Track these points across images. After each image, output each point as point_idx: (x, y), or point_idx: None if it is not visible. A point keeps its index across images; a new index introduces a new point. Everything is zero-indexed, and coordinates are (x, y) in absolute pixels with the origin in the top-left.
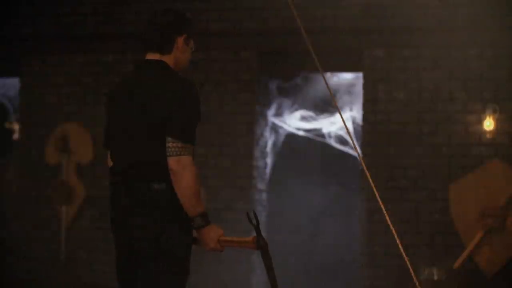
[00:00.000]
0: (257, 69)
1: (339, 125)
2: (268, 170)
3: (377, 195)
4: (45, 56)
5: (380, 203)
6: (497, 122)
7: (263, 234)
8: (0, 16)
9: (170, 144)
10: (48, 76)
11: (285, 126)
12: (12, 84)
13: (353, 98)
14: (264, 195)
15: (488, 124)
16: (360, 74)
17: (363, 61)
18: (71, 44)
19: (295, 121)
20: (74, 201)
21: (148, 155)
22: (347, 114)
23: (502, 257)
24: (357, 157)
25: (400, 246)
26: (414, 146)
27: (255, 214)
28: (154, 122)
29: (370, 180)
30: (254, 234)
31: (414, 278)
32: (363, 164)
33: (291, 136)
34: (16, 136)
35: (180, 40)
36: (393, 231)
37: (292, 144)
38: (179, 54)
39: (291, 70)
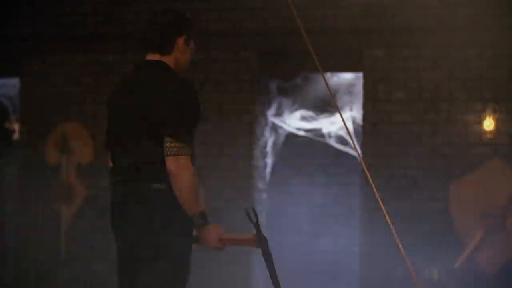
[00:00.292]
0: (257, 69)
1: (339, 125)
2: (268, 170)
3: (376, 194)
4: (45, 56)
5: (380, 203)
6: (497, 122)
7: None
8: (0, 16)
9: (168, 144)
10: (48, 76)
11: (285, 126)
12: (12, 84)
13: (353, 98)
14: (264, 195)
15: (488, 124)
16: (360, 74)
17: (363, 61)
18: (71, 44)
19: (295, 121)
20: (74, 201)
21: (147, 155)
22: (347, 114)
23: (502, 257)
24: (357, 157)
25: (400, 246)
26: (414, 146)
27: (254, 211)
28: (153, 122)
29: (370, 180)
30: (254, 232)
31: (414, 278)
32: (363, 164)
33: (291, 136)
34: (16, 136)
35: (180, 41)
36: (393, 230)
37: (292, 144)
38: (179, 55)
39: (291, 70)
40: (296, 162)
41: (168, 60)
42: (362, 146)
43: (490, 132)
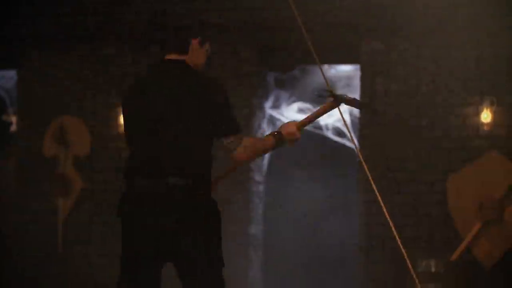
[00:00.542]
0: (255, 63)
1: (336, 117)
2: (265, 162)
3: (374, 187)
4: (43, 50)
5: (378, 195)
6: (495, 114)
7: (261, 226)
8: (0, 16)
9: (230, 140)
10: (45, 69)
11: (283, 118)
12: (10, 76)
13: (351, 90)
14: (261, 187)
15: (486, 116)
16: (358, 67)
17: (361, 54)
18: (70, 44)
19: (292, 113)
20: (71, 193)
21: (192, 153)
22: (344, 106)
23: (500, 249)
24: (355, 149)
25: (397, 238)
26: (412, 138)
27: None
28: (200, 122)
29: (368, 173)
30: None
31: (411, 270)
32: (361, 157)
33: None
34: (13, 128)
35: (196, 42)
36: (391, 222)
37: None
38: (194, 56)
39: (289, 63)
40: (293, 154)
41: (186, 59)
42: (360, 139)
43: (488, 124)
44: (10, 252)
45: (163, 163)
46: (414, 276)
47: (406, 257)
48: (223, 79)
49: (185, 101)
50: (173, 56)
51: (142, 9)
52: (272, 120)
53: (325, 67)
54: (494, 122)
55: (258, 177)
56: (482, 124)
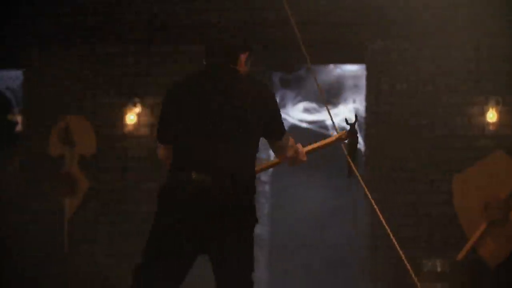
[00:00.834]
0: (259, 62)
1: (342, 116)
2: None
3: (363, 184)
4: (45, 49)
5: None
6: (500, 114)
7: (266, 226)
8: (0, 16)
9: (282, 142)
10: (49, 69)
11: (288, 118)
12: (15, 76)
13: (358, 91)
14: (267, 187)
15: (491, 116)
16: (363, 66)
17: (366, 54)
18: (71, 44)
19: (298, 113)
20: (77, 193)
21: (242, 154)
22: (350, 106)
23: (505, 248)
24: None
25: (392, 238)
26: (417, 138)
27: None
28: (255, 125)
29: (357, 172)
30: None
31: (410, 270)
32: (348, 158)
33: (294, 128)
34: (19, 128)
35: (243, 57)
36: (383, 221)
37: (295, 136)
38: (240, 68)
39: (293, 63)
40: None
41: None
42: (365, 138)
43: (493, 124)
44: (13, 252)
45: (213, 161)
46: (413, 275)
47: (404, 257)
48: None
49: (240, 104)
50: (223, 64)
51: (142, 9)
52: None
53: (331, 67)
54: (500, 122)
55: (264, 177)
56: (488, 123)
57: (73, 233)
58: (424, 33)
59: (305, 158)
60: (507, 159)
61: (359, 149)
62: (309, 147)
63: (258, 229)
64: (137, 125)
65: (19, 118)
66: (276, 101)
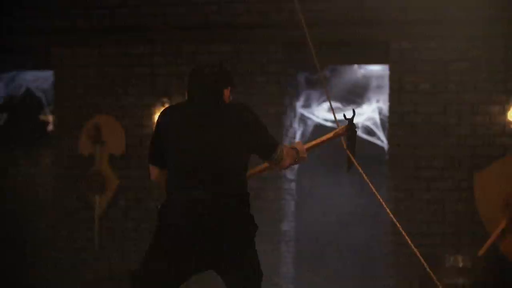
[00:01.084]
0: (284, 62)
1: (366, 116)
2: None
3: (367, 181)
4: (76, 48)
5: (373, 188)
6: None
7: (293, 222)
8: (31, 8)
9: (275, 156)
10: (80, 69)
11: (313, 117)
12: (46, 76)
13: (382, 91)
14: (293, 185)
15: None
16: (387, 66)
17: (389, 53)
18: (100, 37)
19: (323, 113)
20: (107, 191)
21: (233, 170)
22: (373, 105)
23: None
24: (383, 147)
25: (406, 237)
26: (439, 136)
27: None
28: (241, 145)
29: (360, 169)
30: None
31: (426, 267)
32: (350, 155)
33: (319, 127)
34: (50, 128)
35: (227, 92)
36: (394, 220)
37: (320, 135)
38: (223, 99)
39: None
40: (323, 152)
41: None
42: (389, 137)
43: None
44: (46, 248)
45: (207, 179)
46: (430, 272)
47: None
48: (251, 75)
49: (223, 128)
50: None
51: (168, 3)
52: (304, 119)
53: (355, 67)
54: None
55: (289, 174)
56: (509, 122)
57: (103, 230)
58: (447, 33)
59: (305, 156)
60: None
61: (382, 147)
62: (309, 144)
63: (285, 226)
64: None
65: (50, 118)
66: (258, 121)
